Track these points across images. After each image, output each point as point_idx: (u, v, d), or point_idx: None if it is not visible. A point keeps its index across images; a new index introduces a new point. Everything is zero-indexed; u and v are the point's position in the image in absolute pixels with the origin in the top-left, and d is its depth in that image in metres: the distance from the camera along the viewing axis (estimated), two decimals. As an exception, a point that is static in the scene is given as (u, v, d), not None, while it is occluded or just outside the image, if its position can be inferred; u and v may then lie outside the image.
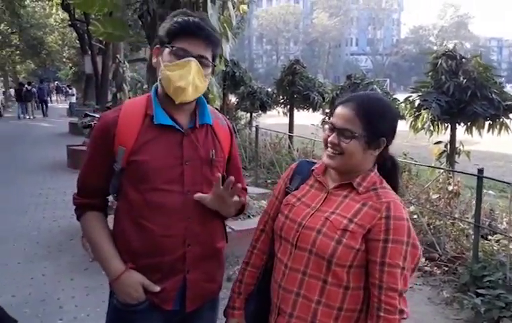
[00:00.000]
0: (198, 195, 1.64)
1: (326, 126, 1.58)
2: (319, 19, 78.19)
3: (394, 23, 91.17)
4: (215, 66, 1.67)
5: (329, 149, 1.54)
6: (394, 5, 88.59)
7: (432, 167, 5.87)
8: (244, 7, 7.83)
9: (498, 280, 3.91)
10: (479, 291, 3.92)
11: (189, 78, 1.56)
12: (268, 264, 1.75)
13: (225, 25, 5.37)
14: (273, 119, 14.18)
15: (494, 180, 4.69)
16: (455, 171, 5.56)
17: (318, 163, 1.70)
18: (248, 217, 5.28)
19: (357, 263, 1.47)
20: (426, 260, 4.93)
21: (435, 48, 69.26)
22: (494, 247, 4.60)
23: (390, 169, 1.63)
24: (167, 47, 1.61)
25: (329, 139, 1.53)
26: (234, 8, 6.01)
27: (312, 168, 1.68)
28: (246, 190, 1.91)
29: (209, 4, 5.22)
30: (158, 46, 1.67)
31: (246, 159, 10.12)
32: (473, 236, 4.48)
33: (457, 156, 6.47)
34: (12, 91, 34.25)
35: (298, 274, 1.53)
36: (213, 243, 1.74)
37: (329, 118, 1.60)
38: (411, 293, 4.44)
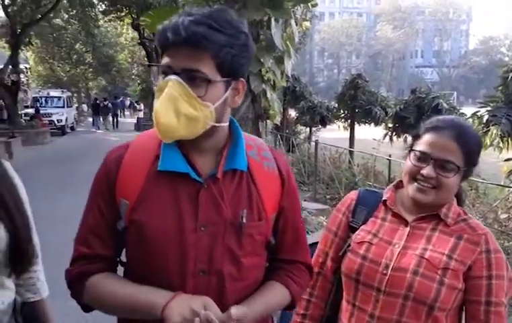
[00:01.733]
0: (205, 313, 1.06)
1: (412, 155, 1.40)
2: (383, 31, 76.81)
3: (462, 34, 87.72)
4: (225, 76, 1.14)
5: (421, 182, 1.36)
6: (462, 16, 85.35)
7: (501, 185, 5.62)
8: (307, 23, 7.92)
9: None
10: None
11: (165, 106, 1.10)
12: (326, 313, 1.55)
13: (288, 42, 5.48)
14: (333, 133, 14.11)
15: None
16: None
17: (386, 192, 1.52)
18: (307, 233, 5.31)
19: (456, 304, 1.34)
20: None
21: (506, 59, 66.02)
22: None
23: (458, 195, 1.48)
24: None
25: (424, 172, 1.34)
26: (296, 24, 6.13)
27: (384, 199, 1.48)
28: (310, 267, 1.40)
29: (273, 23, 5.35)
30: None
31: (305, 173, 10.14)
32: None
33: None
34: (84, 106, 36.53)
35: None
36: None
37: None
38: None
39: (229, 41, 1.11)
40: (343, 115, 11.40)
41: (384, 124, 10.27)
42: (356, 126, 11.33)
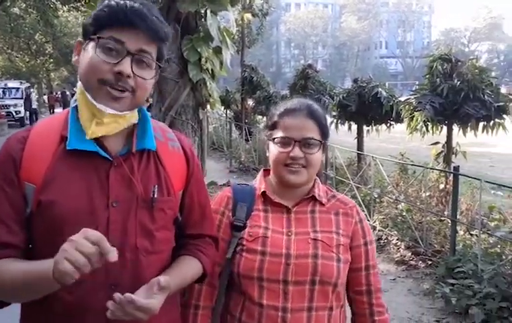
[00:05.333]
0: (120, 297, 1.07)
1: (275, 143, 1.43)
2: (348, 22, 77.69)
3: (424, 25, 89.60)
4: (160, 67, 1.24)
5: (292, 164, 1.39)
6: (424, 8, 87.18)
7: (424, 167, 6.06)
8: (248, 15, 8.22)
9: (470, 271, 4.12)
10: (452, 281, 4.13)
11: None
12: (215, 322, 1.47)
13: (224, 33, 5.71)
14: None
15: (467, 176, 4.91)
16: (433, 169, 5.80)
17: (258, 183, 1.52)
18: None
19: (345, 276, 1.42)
20: (412, 254, 5.16)
21: (466, 50, 67.88)
22: (473, 241, 4.79)
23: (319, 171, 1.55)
24: (92, 39, 1.17)
25: (292, 154, 1.39)
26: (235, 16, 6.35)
27: (263, 190, 1.48)
28: (216, 239, 1.44)
29: (208, 14, 5.56)
30: (80, 39, 1.24)
31: (257, 160, 10.53)
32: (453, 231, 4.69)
33: (454, 156, 6.63)
34: (45, 98, 35.77)
35: (303, 313, 1.34)
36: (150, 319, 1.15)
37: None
38: (393, 284, 4.68)
39: (167, 35, 1.23)
40: (295, 104, 11.72)
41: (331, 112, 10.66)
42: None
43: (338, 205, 1.47)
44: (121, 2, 1.16)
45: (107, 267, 1.08)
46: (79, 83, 1.21)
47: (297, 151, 1.39)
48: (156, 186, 1.25)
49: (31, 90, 27.57)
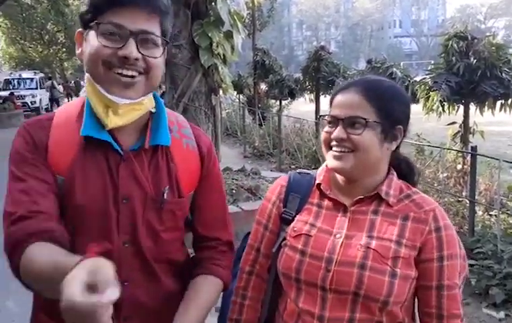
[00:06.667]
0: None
1: (325, 123, 1.27)
2: (360, 2, 76.56)
3: (439, 2, 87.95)
4: (167, 42, 1.18)
5: (335, 148, 1.22)
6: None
7: (439, 147, 5.97)
8: (259, -2, 8.20)
9: (489, 251, 4.07)
10: (471, 262, 4.09)
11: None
12: (263, 315, 1.37)
13: (235, 17, 5.67)
14: (308, 106, 14.34)
15: (484, 156, 4.82)
16: (450, 149, 5.71)
17: (319, 173, 1.34)
18: (259, 198, 5.60)
19: (411, 293, 1.20)
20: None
21: (482, 27, 66.55)
22: (492, 221, 4.73)
23: (406, 173, 1.31)
24: (91, 27, 1.12)
25: (334, 135, 1.21)
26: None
27: (318, 182, 1.31)
28: (231, 244, 1.37)
29: (218, -1, 5.54)
30: (80, 29, 1.18)
31: (272, 145, 10.51)
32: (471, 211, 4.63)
33: (471, 136, 6.53)
34: (60, 87, 36.13)
35: None
36: (161, 316, 1.20)
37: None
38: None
39: (167, 8, 1.16)
40: (308, 87, 11.63)
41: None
42: (322, 97, 11.60)
43: (410, 208, 1.22)
44: None
45: (119, 264, 1.03)
46: (87, 75, 1.15)
47: (338, 131, 1.20)
48: (167, 187, 1.19)
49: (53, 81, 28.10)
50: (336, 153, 1.20)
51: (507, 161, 4.42)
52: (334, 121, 1.22)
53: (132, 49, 1.09)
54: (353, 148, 1.18)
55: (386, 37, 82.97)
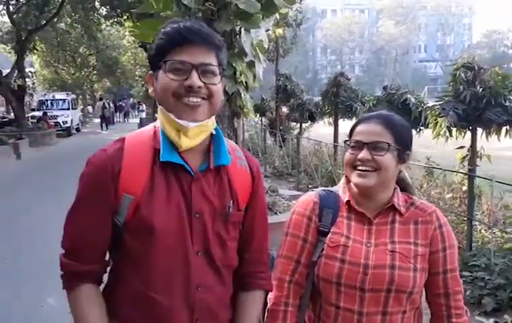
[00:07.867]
0: None
1: (349, 147, 1.51)
2: (385, 27, 77.00)
3: (465, 28, 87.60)
4: (224, 70, 1.34)
5: (360, 167, 1.46)
6: (464, 9, 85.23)
7: (445, 170, 6.33)
8: (280, 30, 8.72)
9: (483, 264, 4.43)
10: (466, 273, 4.45)
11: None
12: (301, 320, 1.56)
13: (257, 49, 6.19)
14: (328, 129, 14.77)
15: (479, 177, 5.18)
16: (451, 171, 6.08)
17: (342, 191, 1.58)
18: (275, 213, 6.05)
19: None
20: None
21: (510, 52, 65.93)
22: (490, 238, 5.08)
23: (405, 187, 1.59)
24: (160, 67, 1.29)
25: (360, 156, 1.46)
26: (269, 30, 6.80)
27: (347, 199, 1.54)
28: (268, 253, 1.56)
29: (243, 32, 6.06)
30: (150, 72, 1.37)
31: (290, 166, 11.16)
32: (473, 228, 4.99)
33: (479, 160, 6.87)
34: (89, 108, 37.46)
35: (378, 316, 1.44)
36: (224, 317, 1.43)
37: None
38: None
39: (220, 40, 1.34)
40: (327, 111, 12.09)
41: (363, 118, 10.93)
42: (341, 121, 12.04)
43: (417, 213, 1.51)
44: (175, 26, 1.29)
45: (194, 271, 1.30)
46: (160, 107, 1.34)
47: (364, 153, 1.44)
48: (231, 201, 1.37)
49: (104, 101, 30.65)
50: (362, 172, 1.45)
51: (499, 182, 4.78)
52: (359, 145, 1.47)
53: (195, 79, 1.27)
54: (376, 167, 1.44)
55: (410, 61, 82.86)
